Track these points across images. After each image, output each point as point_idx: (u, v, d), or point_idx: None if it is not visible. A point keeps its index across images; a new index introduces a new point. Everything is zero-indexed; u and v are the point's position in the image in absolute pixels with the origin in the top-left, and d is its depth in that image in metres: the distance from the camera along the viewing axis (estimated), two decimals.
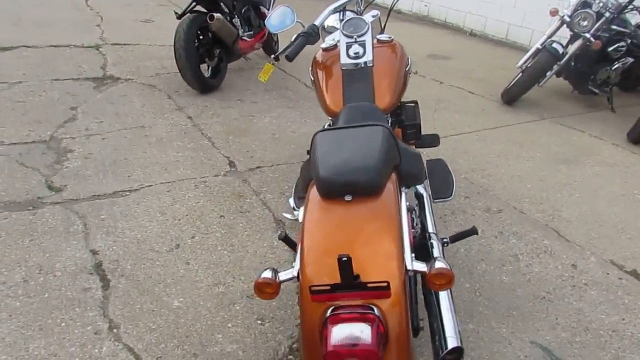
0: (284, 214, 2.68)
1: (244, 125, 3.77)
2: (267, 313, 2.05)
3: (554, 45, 4.17)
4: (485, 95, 4.68)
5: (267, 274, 1.23)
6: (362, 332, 1.08)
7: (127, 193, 2.82)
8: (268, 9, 4.71)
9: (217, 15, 3.85)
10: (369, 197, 1.32)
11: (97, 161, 3.12)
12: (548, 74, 4.27)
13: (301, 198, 2.38)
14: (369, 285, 1.12)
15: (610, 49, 4.30)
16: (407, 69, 2.22)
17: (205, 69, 4.19)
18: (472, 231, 1.80)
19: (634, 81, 4.83)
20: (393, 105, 2.05)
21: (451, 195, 2.23)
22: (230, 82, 4.51)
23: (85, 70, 4.59)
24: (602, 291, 2.31)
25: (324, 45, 2.27)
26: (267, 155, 3.33)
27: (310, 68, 2.33)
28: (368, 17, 2.24)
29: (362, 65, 2.09)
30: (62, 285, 2.13)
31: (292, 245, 1.70)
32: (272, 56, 2.46)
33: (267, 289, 1.22)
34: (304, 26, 2.17)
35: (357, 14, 2.33)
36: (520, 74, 4.36)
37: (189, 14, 3.97)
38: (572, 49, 4.23)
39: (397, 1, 2.36)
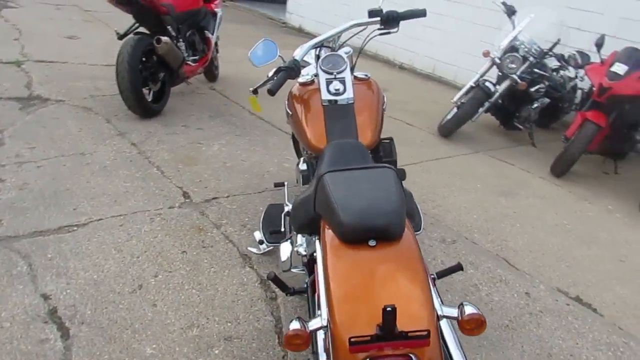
0: (250, 248, 2.61)
1: (193, 153, 3.64)
2: (248, 356, 1.97)
3: (487, 83, 4.49)
4: (422, 128, 4.90)
5: (296, 325, 1.18)
6: None
7: (75, 228, 2.60)
8: (212, 34, 4.63)
9: (164, 38, 3.72)
10: (392, 241, 1.32)
11: (34, 192, 2.85)
12: (480, 110, 4.58)
13: (274, 233, 2.34)
14: (410, 334, 1.11)
15: (532, 89, 4.70)
16: (383, 106, 2.27)
17: (146, 93, 4.01)
18: (458, 267, 1.85)
19: (549, 119, 5.30)
20: (375, 142, 2.09)
21: (420, 229, 2.30)
22: (173, 107, 4.36)
23: (7, 88, 4.21)
24: (555, 317, 2.48)
25: (301, 80, 2.27)
26: (221, 185, 3.23)
27: (286, 102, 2.31)
28: (341, 53, 2.28)
29: (344, 102, 2.11)
30: (13, 338, 1.91)
31: (283, 287, 1.66)
32: (251, 89, 2.41)
33: (297, 341, 1.18)
34: (284, 60, 2.16)
35: (332, 50, 2.36)
36: (456, 109, 4.63)
37: (132, 35, 3.80)
38: (501, 88, 4.58)
39: (367, 41, 2.43)
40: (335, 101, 2.11)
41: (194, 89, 4.84)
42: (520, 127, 4.83)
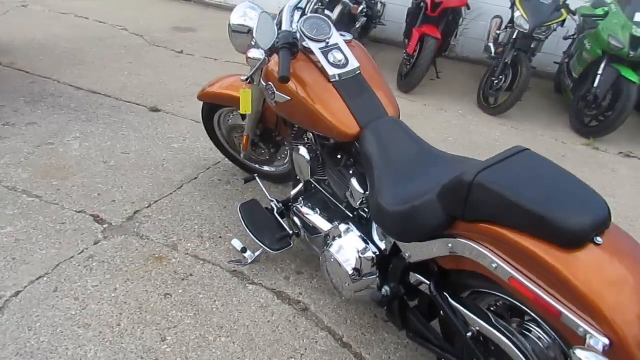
0: (233, 263, 2.19)
1: (54, 160, 2.76)
2: None
3: (326, 12, 4.43)
4: None
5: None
6: None
7: None
8: None
9: None
10: (608, 232, 1.22)
11: None
12: None
13: (282, 238, 2.00)
14: None
15: (358, 11, 4.85)
16: None
17: None
18: None
19: (362, 36, 5.60)
20: (398, 109, 1.89)
21: None
22: None
23: None
24: None
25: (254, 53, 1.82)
26: (129, 194, 2.57)
27: (265, 83, 1.89)
28: (321, 15, 1.94)
29: (353, 74, 1.83)
30: None
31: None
32: (244, 79, 1.88)
33: None
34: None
35: (302, 10, 1.97)
36: None
37: None
38: (335, 13, 4.57)
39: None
40: (344, 74, 1.81)
41: None
42: None
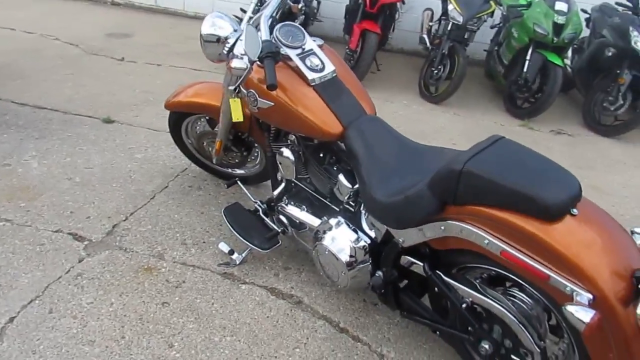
0: (221, 266, 2.26)
1: (15, 181, 2.68)
2: None
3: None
4: (212, 70, 4.63)
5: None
6: None
7: None
8: None
9: None
10: (580, 204, 1.41)
11: None
12: None
13: (271, 237, 2.10)
14: None
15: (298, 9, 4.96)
16: None
17: None
18: None
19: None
20: (374, 107, 2.04)
21: None
22: None
23: None
24: None
25: (237, 64, 1.88)
26: (102, 209, 2.55)
27: (246, 90, 1.97)
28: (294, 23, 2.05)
29: (330, 77, 1.95)
30: None
31: None
32: (231, 88, 1.93)
33: None
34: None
35: (273, 18, 2.05)
36: None
37: None
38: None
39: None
40: (323, 78, 1.93)
41: None
42: None
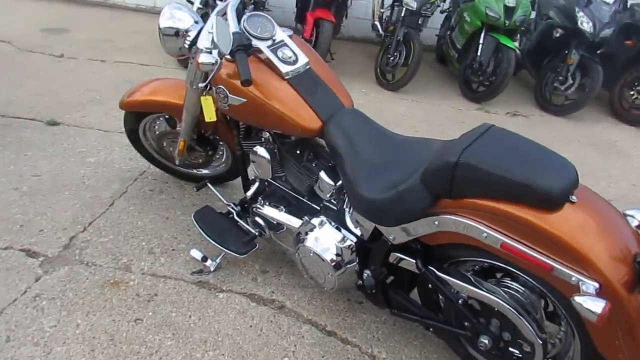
0: (195, 274, 2.13)
1: None
2: None
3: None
4: (161, 65, 4.41)
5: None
6: None
7: None
8: None
9: None
10: (578, 191, 1.38)
11: None
12: None
13: (249, 241, 1.99)
14: None
15: None
16: None
17: None
18: None
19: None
20: (351, 99, 1.95)
21: None
22: None
23: None
24: None
25: (205, 59, 1.72)
26: (56, 220, 2.34)
27: (216, 87, 1.83)
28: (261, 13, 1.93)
29: (303, 70, 1.85)
30: None
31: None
32: (202, 85, 1.77)
33: None
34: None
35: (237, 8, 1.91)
36: None
37: None
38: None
39: None
40: (296, 71, 1.82)
41: None
42: None
